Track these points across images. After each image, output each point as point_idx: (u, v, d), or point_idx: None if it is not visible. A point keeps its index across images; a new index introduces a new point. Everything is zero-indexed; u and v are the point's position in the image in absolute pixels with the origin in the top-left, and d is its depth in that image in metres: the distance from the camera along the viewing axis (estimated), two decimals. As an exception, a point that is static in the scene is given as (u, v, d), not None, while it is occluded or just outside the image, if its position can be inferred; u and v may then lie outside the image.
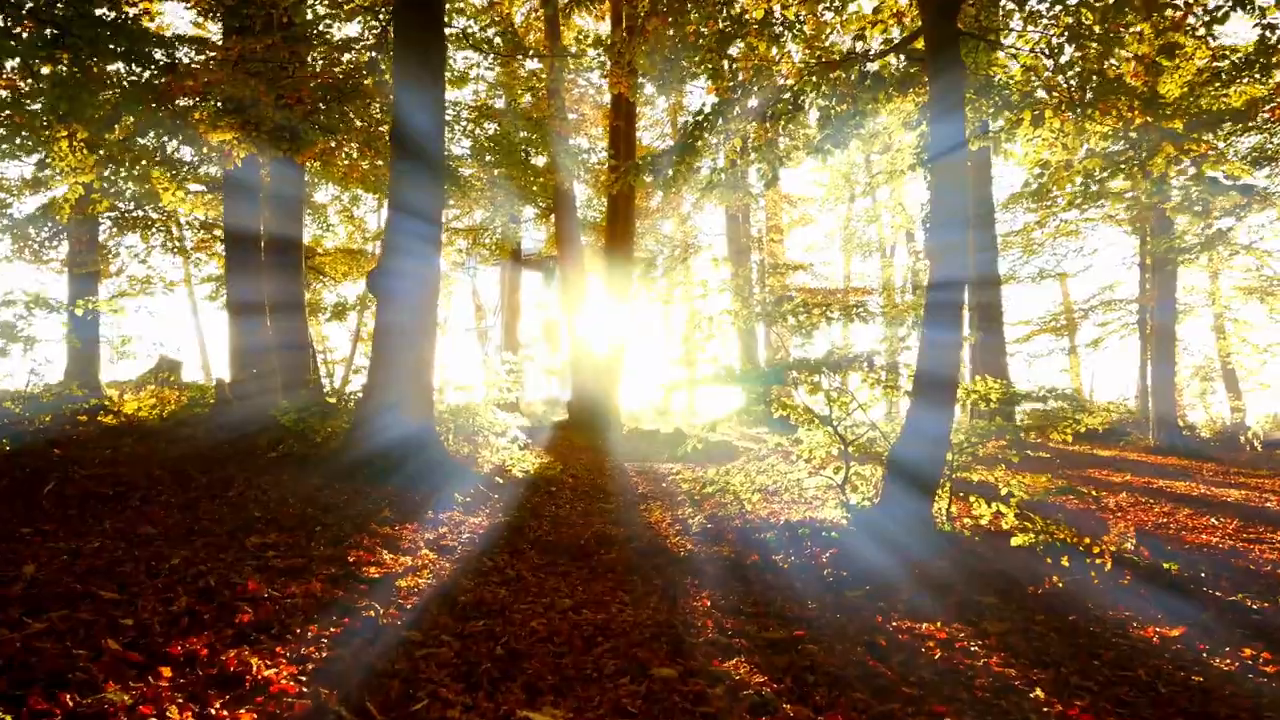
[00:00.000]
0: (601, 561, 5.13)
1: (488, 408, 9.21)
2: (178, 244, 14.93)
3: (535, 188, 17.83)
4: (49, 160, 8.15)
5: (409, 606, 3.64)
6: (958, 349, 5.58)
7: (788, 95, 6.67)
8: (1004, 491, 5.82)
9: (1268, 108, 6.70)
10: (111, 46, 7.26)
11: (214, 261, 17.26)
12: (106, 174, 8.76)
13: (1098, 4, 5.31)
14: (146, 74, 8.25)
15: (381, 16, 9.42)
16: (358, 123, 10.26)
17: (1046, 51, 5.83)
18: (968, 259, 6.71)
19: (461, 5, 11.64)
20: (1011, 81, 6.45)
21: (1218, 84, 6.38)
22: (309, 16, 9.10)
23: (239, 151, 8.79)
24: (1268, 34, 5.57)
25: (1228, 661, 3.61)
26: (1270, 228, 15.90)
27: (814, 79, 6.46)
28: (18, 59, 6.90)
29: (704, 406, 26.80)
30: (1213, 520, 7.55)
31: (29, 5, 6.87)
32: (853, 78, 6.45)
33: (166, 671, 2.53)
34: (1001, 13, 6.01)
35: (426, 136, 7.94)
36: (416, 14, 7.88)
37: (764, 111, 6.84)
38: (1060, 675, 3.27)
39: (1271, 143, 8.68)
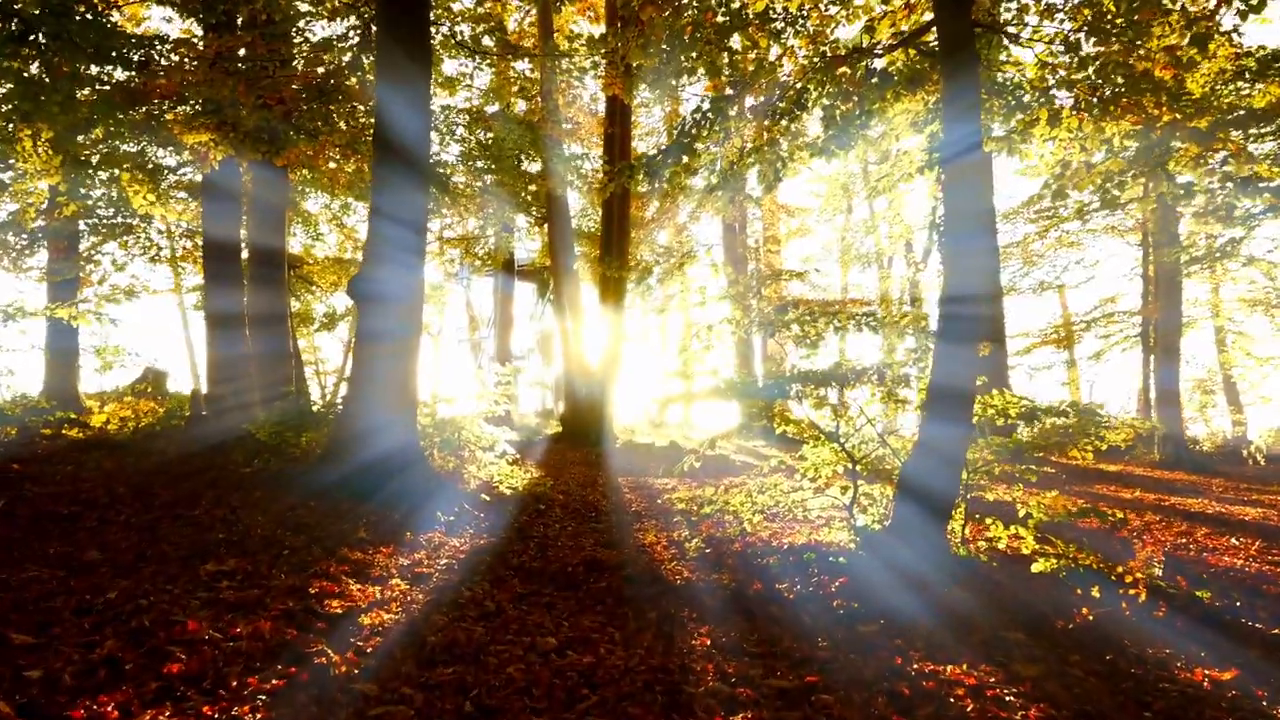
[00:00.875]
0: (591, 591, 4.71)
1: (475, 421, 8.80)
2: (156, 251, 14.49)
3: (528, 195, 17.52)
4: (14, 162, 7.76)
5: (369, 650, 3.22)
6: (975, 361, 5.21)
7: (790, 93, 6.35)
8: (1022, 513, 5.44)
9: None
10: (79, 43, 6.90)
11: (200, 270, 16.84)
12: (74, 177, 8.37)
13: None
14: (119, 74, 7.88)
15: (365, 12, 9.08)
16: (341, 125, 9.90)
17: (1064, 47, 5.51)
18: (989, 264, 6.37)
19: (450, 5, 11.33)
20: (1025, 79, 6.13)
21: (1240, 81, 6.07)
22: (290, 13, 8.75)
23: (215, 154, 8.40)
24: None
25: (1292, 712, 3.21)
26: (1280, 238, 15.66)
27: (818, 76, 6.13)
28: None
29: (700, 419, 26.45)
30: (1233, 540, 7.22)
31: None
32: (859, 75, 6.14)
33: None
34: (1018, 5, 5.70)
35: (412, 139, 7.57)
36: (401, 9, 7.54)
37: (765, 110, 6.53)
38: (1109, 731, 2.88)
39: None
